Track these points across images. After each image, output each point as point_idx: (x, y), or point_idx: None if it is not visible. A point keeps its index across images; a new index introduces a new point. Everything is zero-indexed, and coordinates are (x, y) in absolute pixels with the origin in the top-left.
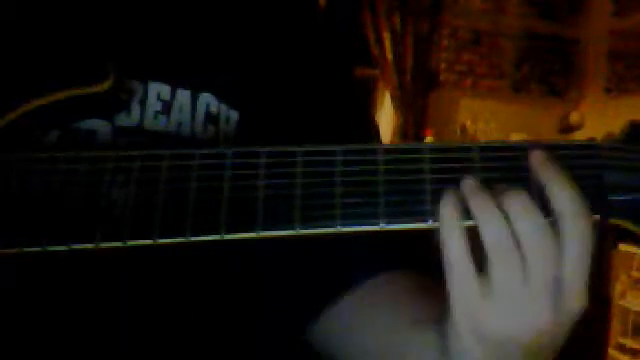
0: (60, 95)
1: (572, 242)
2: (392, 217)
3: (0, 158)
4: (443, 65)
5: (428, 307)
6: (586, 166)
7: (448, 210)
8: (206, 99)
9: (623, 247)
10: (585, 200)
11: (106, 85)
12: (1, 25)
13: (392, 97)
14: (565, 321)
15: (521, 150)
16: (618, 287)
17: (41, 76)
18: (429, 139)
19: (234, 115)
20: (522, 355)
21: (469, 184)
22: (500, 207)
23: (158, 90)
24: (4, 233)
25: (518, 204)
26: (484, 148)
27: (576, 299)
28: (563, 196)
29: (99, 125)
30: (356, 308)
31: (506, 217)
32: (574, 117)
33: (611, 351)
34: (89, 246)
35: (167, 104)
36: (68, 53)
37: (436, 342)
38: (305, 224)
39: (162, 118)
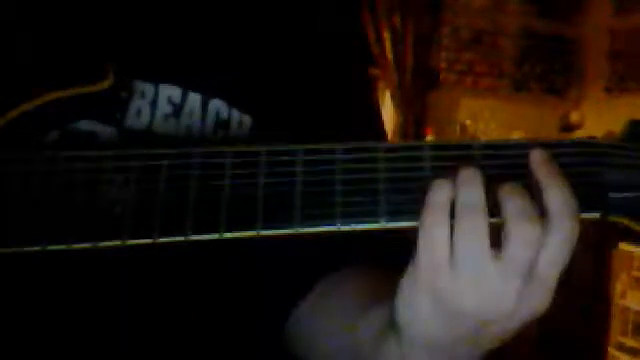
0: (60, 94)
1: (556, 237)
2: (393, 215)
3: (0, 157)
4: (443, 64)
5: (383, 293)
6: (586, 164)
7: (439, 176)
8: (216, 105)
9: (623, 246)
10: (576, 203)
11: (106, 84)
12: (1, 25)
13: (392, 96)
14: (524, 315)
15: (522, 148)
16: (618, 286)
17: (41, 75)
18: (429, 138)
19: (247, 119)
20: (471, 334)
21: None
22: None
23: (169, 93)
24: (4, 233)
25: (509, 187)
26: (485, 146)
27: (543, 293)
28: (556, 195)
29: (101, 127)
30: (313, 308)
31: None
32: (574, 116)
33: (611, 350)
34: (89, 245)
35: (177, 107)
36: (68, 53)
37: (383, 315)
38: (305, 223)
39: (172, 121)
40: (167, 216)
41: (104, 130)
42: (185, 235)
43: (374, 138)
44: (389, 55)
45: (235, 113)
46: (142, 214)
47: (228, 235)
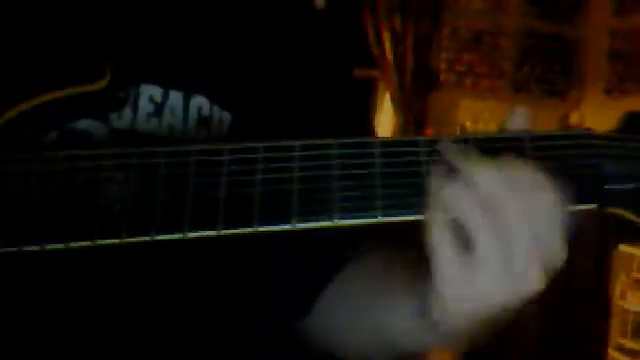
0: (57, 94)
1: (541, 206)
2: (389, 209)
3: (1, 156)
4: (443, 65)
5: (405, 273)
6: (582, 155)
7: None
8: (198, 102)
9: (623, 248)
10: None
11: (103, 84)
12: (1, 25)
13: (392, 98)
14: (549, 274)
15: (516, 140)
16: (618, 287)
17: (38, 75)
18: None
19: (227, 117)
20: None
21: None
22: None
23: (150, 92)
24: (3, 232)
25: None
26: (480, 140)
27: (558, 253)
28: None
29: (95, 126)
30: (337, 294)
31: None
32: (574, 117)
33: (611, 351)
34: (87, 244)
35: (159, 106)
36: (65, 53)
37: (414, 305)
38: (302, 218)
39: (154, 120)
40: (165, 214)
41: (100, 130)
42: (183, 232)
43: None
44: (389, 56)
45: (216, 110)
46: (140, 212)
47: (226, 232)
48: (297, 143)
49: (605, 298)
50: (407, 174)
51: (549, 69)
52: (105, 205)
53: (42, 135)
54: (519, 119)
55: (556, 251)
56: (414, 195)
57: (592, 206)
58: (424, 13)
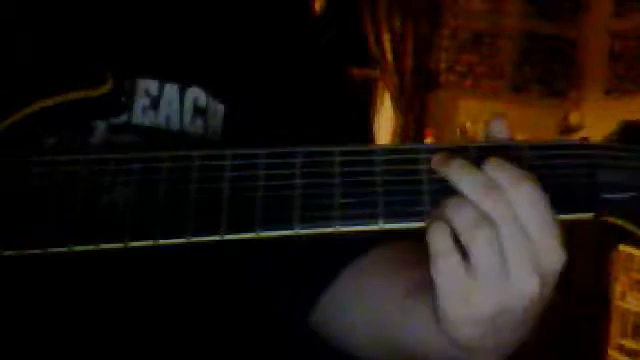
0: (60, 99)
1: (523, 205)
2: (390, 217)
3: (2, 160)
4: (443, 66)
5: (421, 275)
6: (578, 165)
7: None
8: (194, 93)
9: (623, 248)
10: (503, 171)
11: (105, 89)
12: (5, 29)
13: (392, 98)
14: (550, 279)
15: (517, 149)
16: (618, 288)
17: (42, 80)
18: (428, 140)
19: (220, 109)
20: (512, 324)
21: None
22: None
23: (146, 86)
24: (6, 235)
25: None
26: (480, 148)
27: (553, 254)
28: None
29: (98, 123)
30: (348, 286)
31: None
32: (574, 118)
33: (611, 352)
34: (90, 248)
35: (155, 99)
36: (67, 56)
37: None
38: (304, 224)
39: (150, 113)
40: (168, 218)
41: (99, 124)
42: (186, 237)
43: (354, 135)
44: (389, 56)
45: (212, 101)
46: (143, 216)
47: (228, 237)
48: (299, 150)
49: (605, 299)
50: (408, 182)
51: (549, 69)
52: (108, 210)
53: (44, 139)
54: (499, 129)
55: (552, 253)
56: (415, 203)
57: (588, 215)
58: (424, 14)
